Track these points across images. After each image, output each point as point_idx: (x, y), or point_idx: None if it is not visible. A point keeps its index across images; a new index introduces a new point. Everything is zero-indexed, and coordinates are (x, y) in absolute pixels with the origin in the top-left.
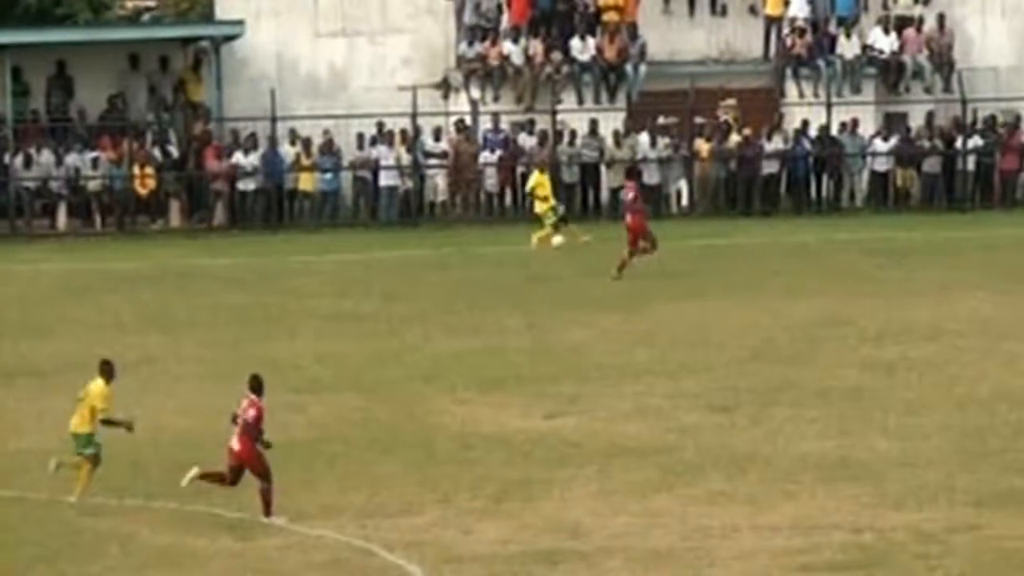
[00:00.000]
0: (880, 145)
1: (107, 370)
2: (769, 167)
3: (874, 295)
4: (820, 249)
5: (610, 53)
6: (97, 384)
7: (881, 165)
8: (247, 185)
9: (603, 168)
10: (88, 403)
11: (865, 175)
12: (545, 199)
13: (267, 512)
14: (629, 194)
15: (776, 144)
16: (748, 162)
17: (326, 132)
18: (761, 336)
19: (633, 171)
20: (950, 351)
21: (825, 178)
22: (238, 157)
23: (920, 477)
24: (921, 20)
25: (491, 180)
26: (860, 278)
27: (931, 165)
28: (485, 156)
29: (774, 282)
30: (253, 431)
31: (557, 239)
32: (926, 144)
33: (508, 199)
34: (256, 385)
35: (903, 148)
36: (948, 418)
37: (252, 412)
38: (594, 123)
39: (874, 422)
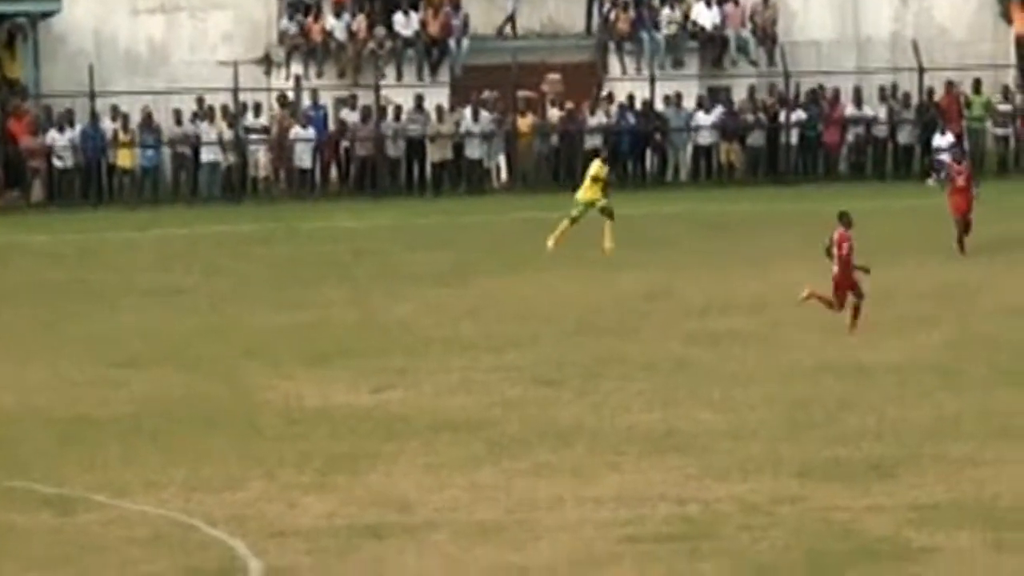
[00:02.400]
0: (703, 119)
1: None
2: (592, 141)
3: (699, 268)
4: (645, 223)
5: (433, 28)
6: None
7: (705, 139)
8: (64, 162)
9: (427, 143)
10: None
11: (689, 149)
12: (600, 189)
13: (854, 324)
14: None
15: (599, 118)
16: (571, 136)
17: (146, 108)
18: (586, 309)
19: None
20: (774, 323)
21: (649, 152)
22: (53, 134)
23: (745, 448)
24: None
25: (304, 156)
26: (685, 251)
27: (755, 139)
28: (297, 131)
29: (598, 255)
30: (848, 261)
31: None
32: (749, 118)
33: (333, 175)
34: (847, 221)
35: (727, 122)
36: (773, 390)
37: (845, 245)
38: (419, 98)
39: (699, 394)
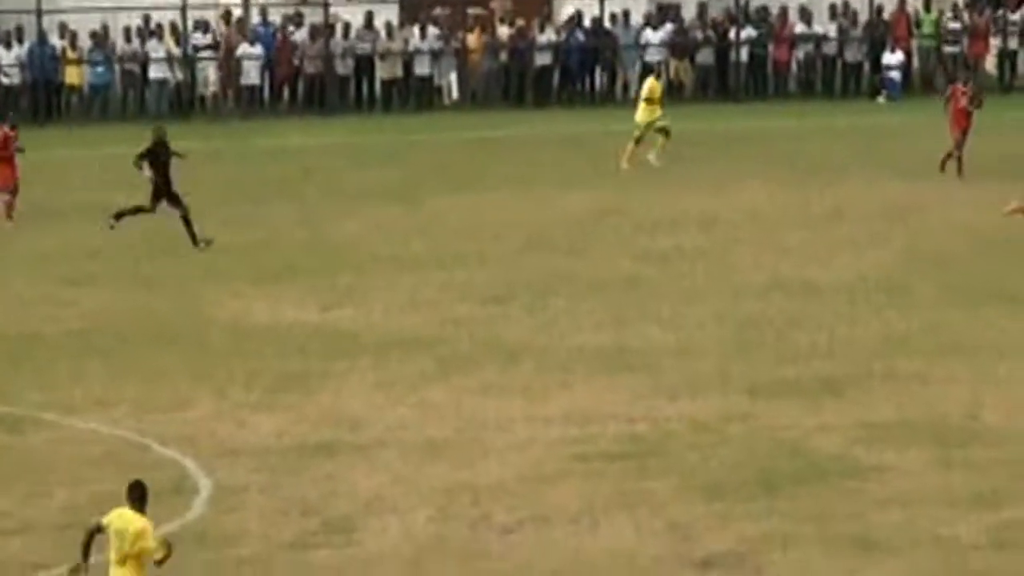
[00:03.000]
0: (652, 36)
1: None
2: (542, 59)
3: (648, 186)
4: (594, 141)
5: None
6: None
7: (654, 56)
8: (12, 80)
9: (377, 61)
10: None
11: (638, 67)
12: (654, 107)
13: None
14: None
15: (548, 36)
16: (520, 54)
17: (94, 25)
18: (535, 227)
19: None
20: (724, 241)
21: (598, 70)
22: (0, 51)
23: (695, 367)
24: None
25: (252, 73)
26: (634, 169)
27: (704, 56)
28: (244, 49)
29: (548, 174)
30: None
31: (634, 151)
32: (699, 35)
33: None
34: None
35: (676, 39)
36: (723, 307)
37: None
38: (369, 16)
39: (649, 312)
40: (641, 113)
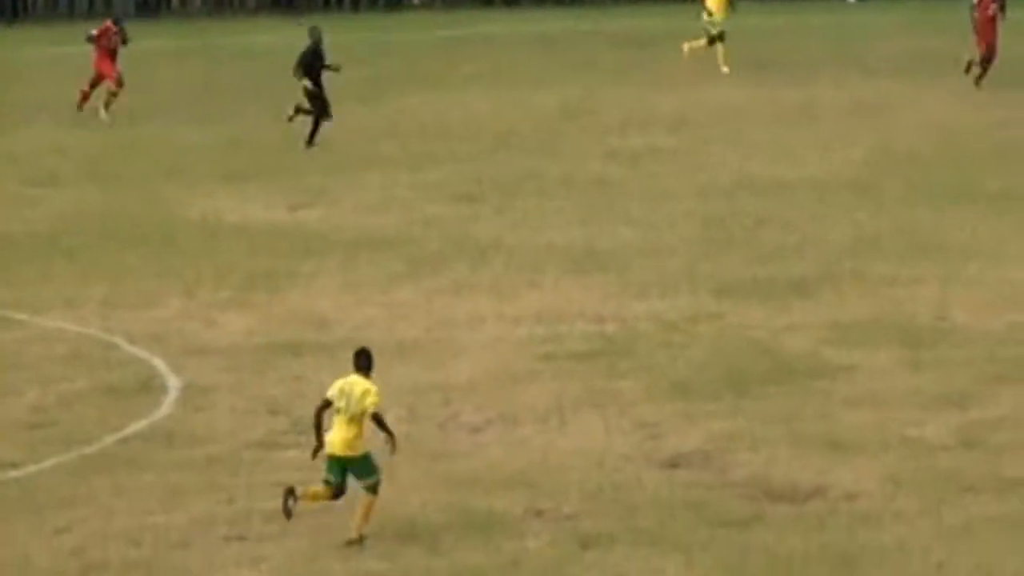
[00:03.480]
0: None
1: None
2: None
3: (618, 85)
4: (564, 39)
5: None
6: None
7: None
8: None
9: None
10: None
11: None
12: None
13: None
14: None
15: None
16: None
17: None
18: (504, 127)
19: None
20: (693, 140)
21: None
22: None
23: (663, 266)
24: None
25: None
26: (604, 69)
27: None
28: None
29: (517, 72)
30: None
31: (695, 44)
32: None
33: None
34: None
35: None
36: (691, 206)
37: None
38: None
39: (618, 211)
40: (720, 11)
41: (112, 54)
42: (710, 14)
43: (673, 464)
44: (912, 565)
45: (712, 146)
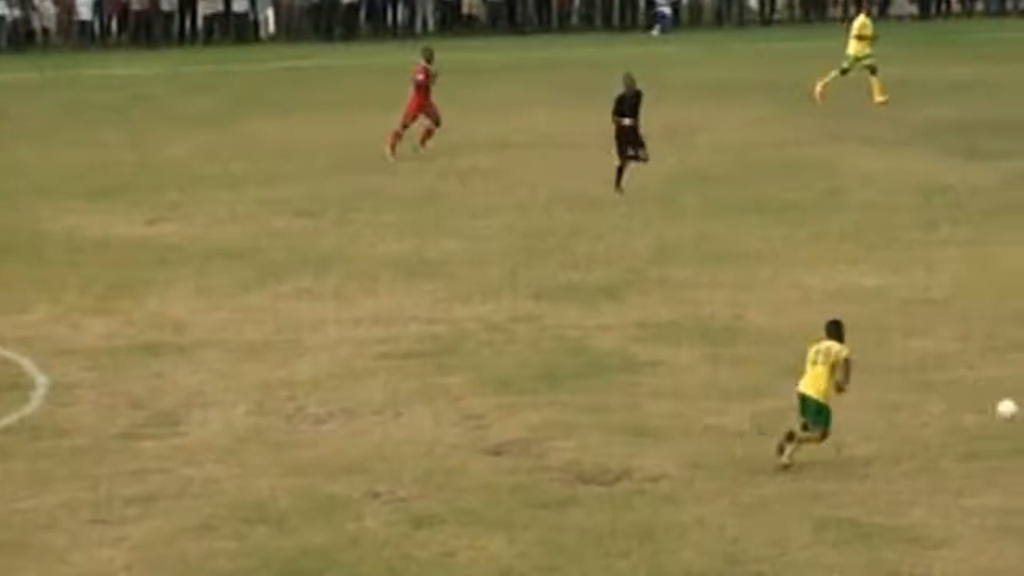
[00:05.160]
0: None
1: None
2: None
3: (447, 110)
4: (396, 70)
5: None
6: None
7: None
8: None
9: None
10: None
11: (432, 2)
12: (865, 42)
13: None
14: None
15: None
16: None
17: None
18: (343, 148)
19: None
20: (514, 160)
21: (400, 5)
22: None
23: (487, 273)
24: None
25: (84, 9)
26: (435, 95)
27: None
28: None
29: (355, 100)
30: None
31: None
32: None
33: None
34: None
35: None
36: (512, 220)
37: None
38: None
39: (446, 225)
40: (853, 47)
41: (427, 90)
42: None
43: (496, 451)
44: (709, 539)
45: (530, 166)
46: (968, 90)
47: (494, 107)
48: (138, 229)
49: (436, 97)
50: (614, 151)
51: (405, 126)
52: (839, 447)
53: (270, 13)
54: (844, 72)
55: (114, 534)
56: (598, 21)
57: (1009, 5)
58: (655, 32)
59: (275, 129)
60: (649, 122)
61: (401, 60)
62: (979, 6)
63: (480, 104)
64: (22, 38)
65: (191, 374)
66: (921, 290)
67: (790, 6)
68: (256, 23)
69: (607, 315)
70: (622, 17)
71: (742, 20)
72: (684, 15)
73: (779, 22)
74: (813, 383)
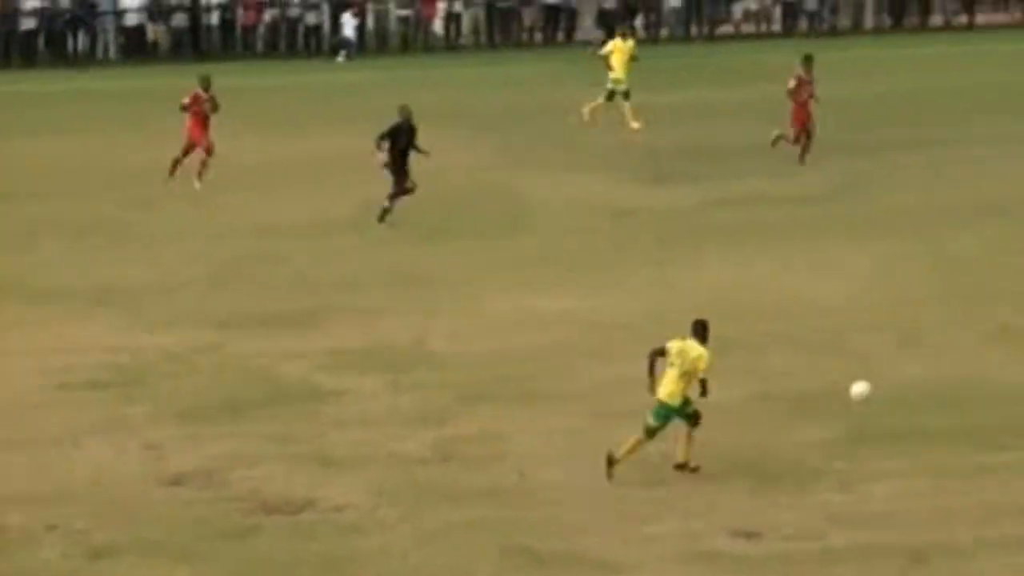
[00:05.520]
0: (130, 2)
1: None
2: (28, 23)
3: (129, 135)
4: (77, 97)
5: None
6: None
7: (132, 20)
8: None
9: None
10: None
11: (114, 29)
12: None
13: None
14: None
15: (33, 2)
16: (6, 19)
17: None
18: (23, 175)
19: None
20: (206, 189)
21: (81, 34)
22: None
23: (173, 302)
24: None
25: None
26: (114, 120)
27: (178, 20)
28: None
29: (37, 127)
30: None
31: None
32: (172, 1)
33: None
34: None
35: (152, 5)
36: (202, 248)
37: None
38: None
39: (133, 253)
40: (622, 70)
41: (204, 120)
42: (612, 70)
43: (176, 482)
44: (392, 567)
45: (224, 194)
46: (680, 115)
47: (170, 133)
48: None
49: (119, 125)
50: (390, 179)
51: (186, 153)
52: (522, 473)
53: None
54: (616, 97)
55: None
56: (283, 47)
57: (694, 31)
58: (340, 59)
59: None
60: (333, 149)
61: (81, 87)
62: (693, 31)
63: (166, 130)
64: None
65: None
66: (608, 314)
67: (476, 31)
68: None
69: (293, 343)
70: (307, 44)
71: (427, 46)
72: (370, 41)
73: (465, 47)
74: (665, 386)
